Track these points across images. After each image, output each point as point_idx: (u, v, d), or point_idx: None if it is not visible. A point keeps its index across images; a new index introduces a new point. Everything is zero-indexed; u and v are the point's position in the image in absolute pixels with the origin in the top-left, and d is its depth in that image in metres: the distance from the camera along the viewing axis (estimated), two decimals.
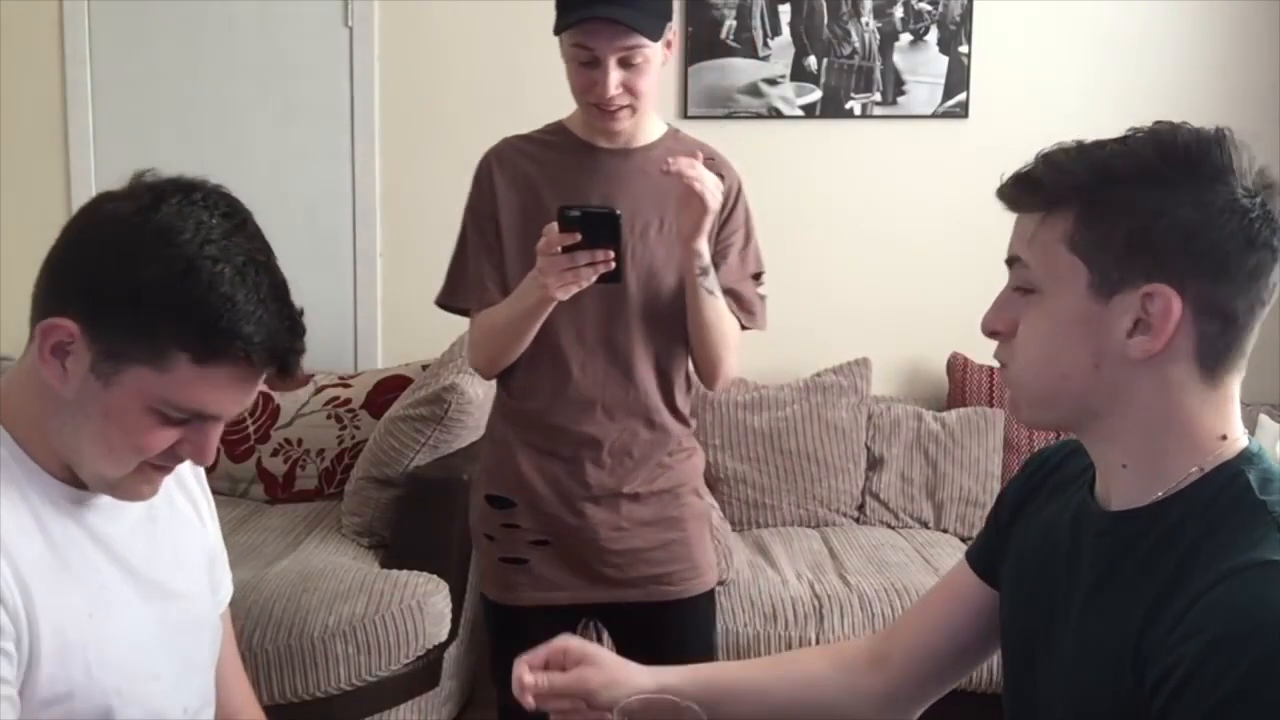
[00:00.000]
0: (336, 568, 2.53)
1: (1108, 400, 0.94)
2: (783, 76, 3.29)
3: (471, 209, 1.77)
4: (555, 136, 1.76)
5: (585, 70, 1.62)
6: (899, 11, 3.27)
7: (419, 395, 2.79)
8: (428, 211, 3.46)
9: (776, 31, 3.27)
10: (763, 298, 1.81)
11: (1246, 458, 0.93)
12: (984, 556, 1.17)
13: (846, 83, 3.30)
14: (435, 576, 2.50)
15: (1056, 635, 1.00)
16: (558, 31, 1.61)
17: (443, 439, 2.72)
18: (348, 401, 3.06)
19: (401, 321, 3.43)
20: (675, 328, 1.72)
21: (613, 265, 1.52)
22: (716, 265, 1.71)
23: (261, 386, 1.07)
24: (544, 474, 1.74)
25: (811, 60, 3.28)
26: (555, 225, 1.52)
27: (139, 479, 1.07)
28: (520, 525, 1.75)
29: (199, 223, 0.99)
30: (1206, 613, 0.83)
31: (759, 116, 3.29)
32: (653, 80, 1.64)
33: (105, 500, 1.10)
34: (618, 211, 1.52)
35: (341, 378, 3.14)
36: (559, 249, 1.51)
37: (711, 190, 1.58)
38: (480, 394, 2.74)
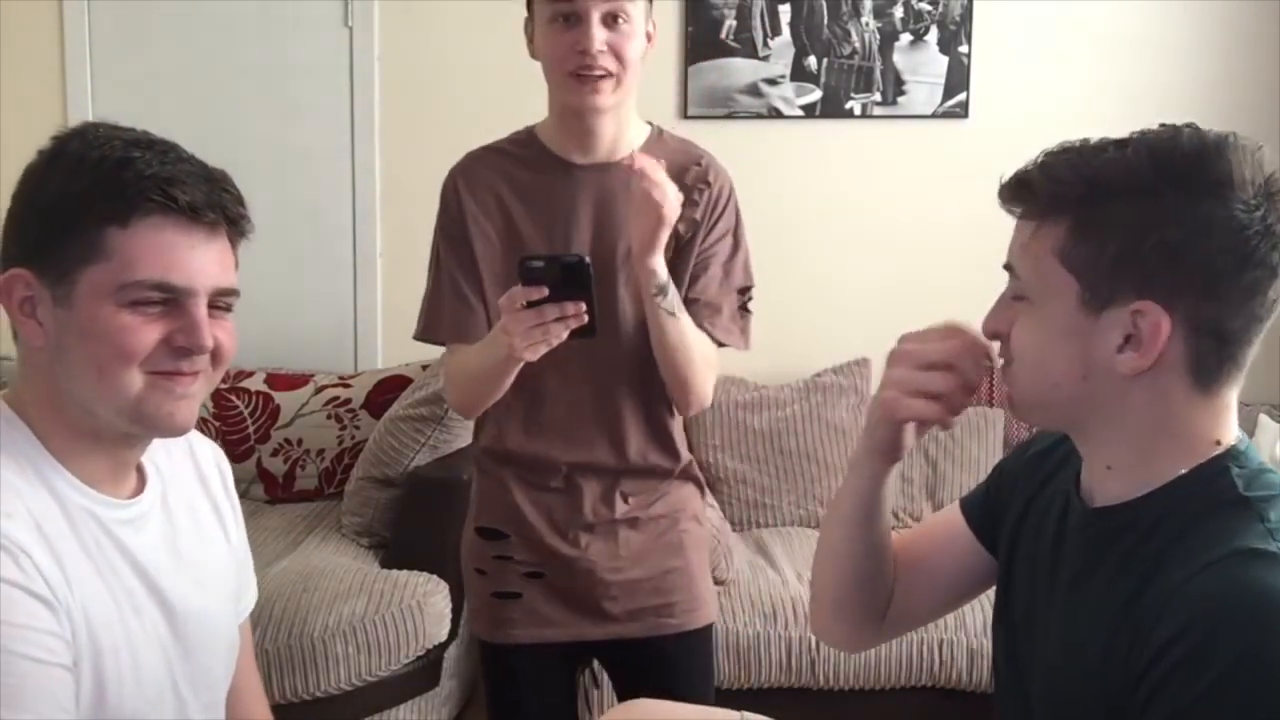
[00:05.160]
0: (336, 568, 2.53)
1: (1096, 410, 0.94)
2: (783, 76, 3.29)
3: (443, 233, 1.63)
4: (526, 150, 1.61)
5: (565, 32, 1.46)
6: (899, 11, 3.27)
7: (419, 395, 2.79)
8: (428, 211, 3.42)
9: (776, 31, 3.27)
10: (747, 314, 1.63)
11: (1232, 455, 0.93)
12: (981, 514, 1.17)
13: (846, 83, 3.29)
14: (435, 576, 2.50)
15: (1041, 628, 1.00)
16: None
17: (443, 439, 2.72)
18: (348, 401, 3.05)
19: (401, 321, 3.38)
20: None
21: (585, 319, 1.33)
22: (696, 276, 1.58)
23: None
24: (536, 503, 1.62)
25: (811, 60, 3.28)
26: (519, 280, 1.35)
27: (158, 397, 1.02)
28: (513, 557, 1.63)
29: (84, 137, 1.03)
30: (1189, 602, 0.84)
31: (759, 116, 3.29)
32: (637, 53, 1.49)
33: (131, 511, 1.09)
34: (586, 259, 1.34)
35: (341, 378, 3.13)
36: (523, 304, 1.33)
37: (671, 201, 1.41)
38: None
